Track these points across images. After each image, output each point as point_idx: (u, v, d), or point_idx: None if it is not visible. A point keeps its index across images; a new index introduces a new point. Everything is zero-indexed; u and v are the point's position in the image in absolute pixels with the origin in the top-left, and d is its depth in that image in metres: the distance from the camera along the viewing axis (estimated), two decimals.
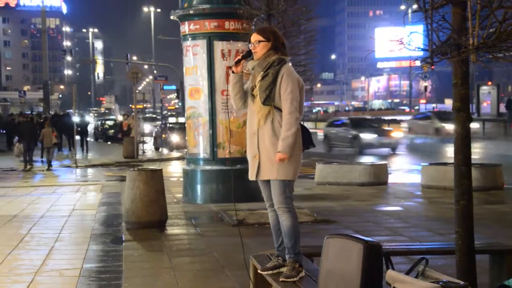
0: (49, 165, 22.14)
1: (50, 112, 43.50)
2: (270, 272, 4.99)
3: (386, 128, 29.52)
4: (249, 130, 5.09)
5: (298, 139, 4.96)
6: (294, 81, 4.92)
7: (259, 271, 5.10)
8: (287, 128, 4.84)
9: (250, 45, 5.07)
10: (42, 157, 23.42)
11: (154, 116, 59.21)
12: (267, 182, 5.03)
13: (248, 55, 5.08)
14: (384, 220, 10.33)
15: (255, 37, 5.04)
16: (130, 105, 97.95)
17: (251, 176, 5.09)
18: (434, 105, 67.17)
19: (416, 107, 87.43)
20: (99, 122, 46.23)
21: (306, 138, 5.08)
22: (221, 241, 8.67)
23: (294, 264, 4.87)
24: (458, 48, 4.57)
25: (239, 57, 5.07)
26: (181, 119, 41.80)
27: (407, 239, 8.68)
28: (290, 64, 5.11)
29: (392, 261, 4.05)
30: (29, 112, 45.69)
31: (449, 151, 22.68)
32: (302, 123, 5.13)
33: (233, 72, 5.06)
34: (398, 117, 56.86)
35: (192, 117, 12.41)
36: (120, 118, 48.04)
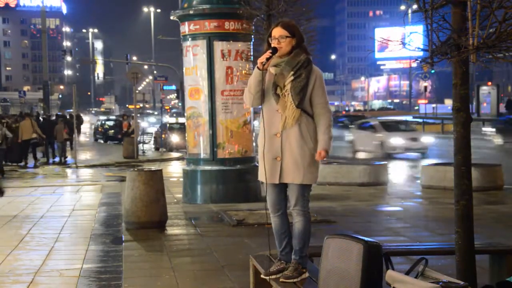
0: (64, 158, 24.86)
1: (51, 112, 43.83)
2: (273, 277, 4.88)
3: None
4: (268, 131, 4.86)
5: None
6: (325, 86, 4.91)
7: (262, 276, 5.00)
8: (330, 129, 4.81)
9: (270, 40, 4.85)
10: (60, 155, 25.52)
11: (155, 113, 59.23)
12: (282, 185, 4.89)
13: (275, 51, 4.83)
14: (384, 220, 10.33)
15: (279, 31, 4.82)
16: (127, 105, 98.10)
17: (270, 179, 4.87)
18: (434, 105, 67.10)
19: (416, 107, 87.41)
20: (99, 123, 46.29)
21: None
22: (221, 241, 8.67)
23: (297, 265, 4.82)
24: (458, 48, 4.57)
25: (269, 55, 4.81)
26: (181, 119, 41.78)
27: (407, 239, 8.68)
28: None
29: (392, 261, 4.05)
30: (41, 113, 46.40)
31: None
32: None
33: (258, 68, 4.82)
34: (398, 118, 56.88)
35: (192, 117, 12.41)
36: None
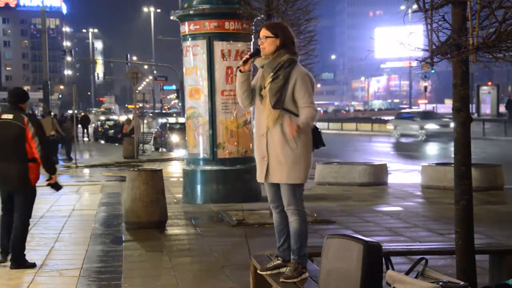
0: (69, 155, 25.92)
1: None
2: (269, 272, 4.98)
3: None
4: (257, 131, 4.99)
5: (308, 141, 4.90)
6: (309, 84, 4.84)
7: (258, 271, 5.09)
8: (310, 116, 4.77)
9: (259, 40, 4.96)
10: (67, 152, 27.04)
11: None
12: (275, 184, 4.97)
13: (257, 53, 4.95)
14: (384, 220, 10.33)
15: (263, 32, 4.91)
16: (126, 105, 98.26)
17: (259, 178, 4.98)
18: (434, 105, 67.13)
19: (416, 107, 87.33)
20: (99, 122, 46.34)
21: (316, 138, 4.99)
22: (221, 241, 8.67)
23: (297, 265, 4.84)
24: (458, 48, 4.57)
25: (247, 56, 4.95)
26: (181, 119, 41.76)
27: (407, 239, 8.68)
28: (299, 63, 4.96)
29: (392, 261, 4.05)
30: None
31: None
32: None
33: (240, 71, 4.92)
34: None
35: (192, 117, 12.41)
36: (121, 117, 48.20)
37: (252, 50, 12.01)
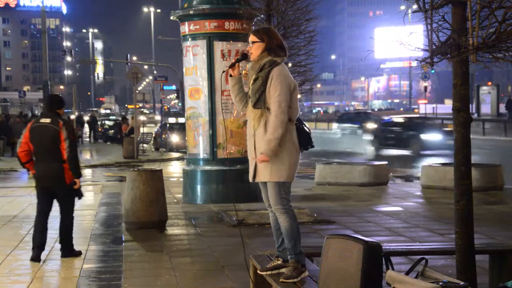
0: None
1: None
2: (269, 272, 4.99)
3: None
4: (248, 132, 5.10)
5: (291, 141, 4.93)
6: (283, 83, 4.85)
7: (258, 271, 5.11)
8: (272, 131, 4.82)
9: (247, 46, 5.10)
10: None
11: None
12: (265, 183, 5.04)
13: (243, 57, 5.11)
14: (384, 220, 10.33)
15: (250, 38, 5.05)
16: (126, 105, 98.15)
17: (250, 178, 5.09)
18: (434, 105, 67.09)
19: (416, 108, 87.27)
20: (99, 123, 46.29)
21: (303, 139, 5.03)
22: (221, 241, 8.68)
23: (296, 264, 4.86)
24: (458, 48, 4.57)
25: (233, 61, 5.11)
26: (181, 119, 41.70)
27: (407, 240, 8.68)
28: (283, 65, 5.00)
29: (392, 261, 4.05)
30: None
31: None
32: (298, 123, 5.09)
33: (230, 75, 5.08)
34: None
35: (192, 118, 12.41)
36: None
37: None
